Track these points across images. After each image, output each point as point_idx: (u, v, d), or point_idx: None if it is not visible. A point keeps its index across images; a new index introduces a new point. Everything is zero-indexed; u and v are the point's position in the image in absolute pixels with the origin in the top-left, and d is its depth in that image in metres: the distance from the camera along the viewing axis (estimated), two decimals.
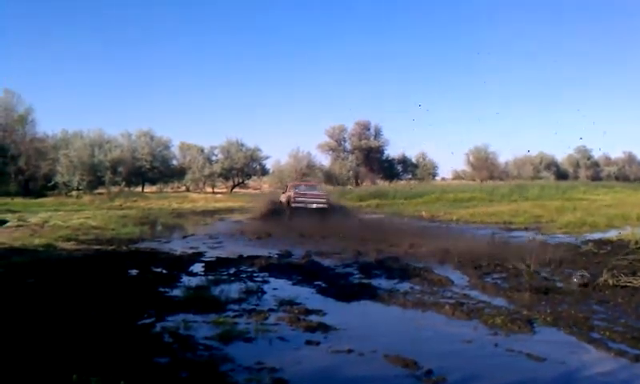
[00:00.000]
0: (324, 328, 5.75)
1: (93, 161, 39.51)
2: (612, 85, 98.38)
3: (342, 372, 4.63)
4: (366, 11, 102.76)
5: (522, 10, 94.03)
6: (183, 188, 50.00)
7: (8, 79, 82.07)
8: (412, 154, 57.92)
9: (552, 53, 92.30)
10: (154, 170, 44.82)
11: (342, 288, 7.83)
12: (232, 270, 9.27)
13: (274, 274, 8.96)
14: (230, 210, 26.80)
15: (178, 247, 12.74)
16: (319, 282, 8.28)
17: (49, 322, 5.60)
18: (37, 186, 38.04)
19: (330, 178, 49.44)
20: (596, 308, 6.66)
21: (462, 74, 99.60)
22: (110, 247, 12.48)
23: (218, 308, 6.50)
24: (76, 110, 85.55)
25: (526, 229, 17.08)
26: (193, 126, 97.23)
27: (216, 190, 49.40)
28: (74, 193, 36.45)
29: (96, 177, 39.82)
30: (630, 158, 71.21)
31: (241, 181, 52.13)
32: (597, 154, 69.39)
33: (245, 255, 10.88)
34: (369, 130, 54.77)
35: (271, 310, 6.50)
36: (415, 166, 57.63)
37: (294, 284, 8.27)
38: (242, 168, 50.08)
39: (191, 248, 12.47)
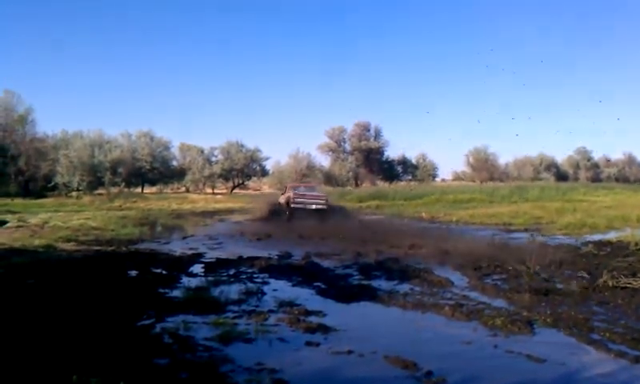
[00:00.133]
0: (324, 329, 5.75)
1: (93, 161, 39.52)
2: (612, 86, 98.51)
3: (341, 373, 4.63)
4: (366, 12, 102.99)
5: (522, 11, 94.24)
6: (183, 189, 49.99)
7: (8, 79, 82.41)
8: (412, 155, 58.08)
9: (552, 54, 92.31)
10: (154, 170, 44.82)
11: (341, 289, 7.82)
12: (232, 271, 9.27)
13: (273, 275, 8.96)
14: (230, 211, 26.79)
15: (177, 248, 12.74)
16: (319, 283, 8.27)
17: (49, 323, 5.60)
18: (37, 186, 38.05)
19: (329, 178, 49.43)
20: (596, 309, 6.65)
21: (462, 75, 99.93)
22: (110, 248, 12.49)
23: (217, 309, 6.50)
24: (76, 110, 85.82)
25: (526, 230, 17.08)
26: (193, 127, 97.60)
27: (216, 191, 49.39)
28: (74, 193, 36.47)
29: (96, 177, 39.82)
30: (630, 160, 71.25)
31: (241, 182, 52.12)
32: (597, 156, 69.61)
33: (245, 256, 10.88)
34: (369, 130, 54.85)
35: (271, 311, 6.50)
36: (415, 167, 57.65)
37: (293, 285, 8.27)
38: (242, 169, 50.08)
39: (191, 249, 12.46)
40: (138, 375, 4.21)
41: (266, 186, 52.26)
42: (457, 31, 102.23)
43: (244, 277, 8.81)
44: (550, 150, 74.83)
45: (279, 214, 20.09)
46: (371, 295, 7.43)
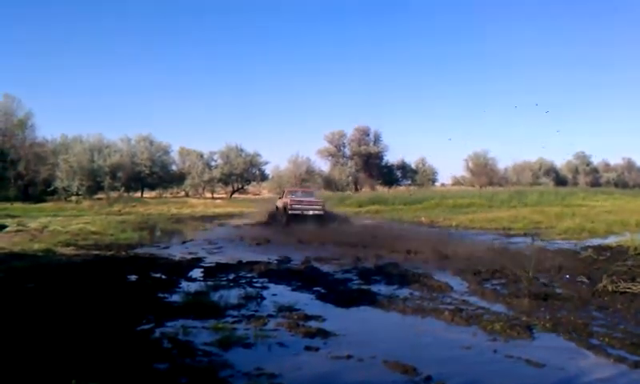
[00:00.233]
0: (323, 334, 5.75)
1: (92, 166, 39.50)
2: (612, 90, 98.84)
3: (341, 378, 4.62)
4: (366, 17, 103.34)
5: (522, 13, 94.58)
6: (182, 193, 49.95)
7: (8, 84, 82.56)
8: (411, 160, 58.12)
9: (552, 57, 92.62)
10: (154, 175, 44.79)
11: (341, 294, 7.82)
12: (231, 276, 9.27)
13: (273, 280, 8.96)
14: (230, 216, 26.77)
15: (177, 252, 12.73)
16: (318, 288, 8.27)
17: (48, 327, 5.60)
18: (36, 190, 38.06)
19: (329, 183, 49.46)
20: (595, 314, 6.67)
21: (462, 77, 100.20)
22: (109, 252, 12.48)
23: (217, 314, 6.50)
24: (75, 114, 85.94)
25: (525, 235, 17.09)
26: (192, 132, 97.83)
27: (215, 196, 49.37)
28: (74, 198, 36.45)
29: (95, 182, 39.79)
30: (629, 165, 71.42)
31: (240, 186, 52.13)
32: (596, 160, 69.74)
33: (244, 261, 10.87)
34: (368, 135, 54.95)
35: (270, 315, 6.50)
36: (414, 171, 57.66)
37: (293, 290, 8.27)
38: (242, 173, 50.09)
39: (190, 253, 12.45)
40: (138, 380, 4.21)
41: (265, 191, 52.29)
42: (457, 31, 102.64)
43: (243, 281, 8.80)
44: (549, 155, 75.03)
45: (278, 218, 20.16)
46: (371, 300, 7.43)
